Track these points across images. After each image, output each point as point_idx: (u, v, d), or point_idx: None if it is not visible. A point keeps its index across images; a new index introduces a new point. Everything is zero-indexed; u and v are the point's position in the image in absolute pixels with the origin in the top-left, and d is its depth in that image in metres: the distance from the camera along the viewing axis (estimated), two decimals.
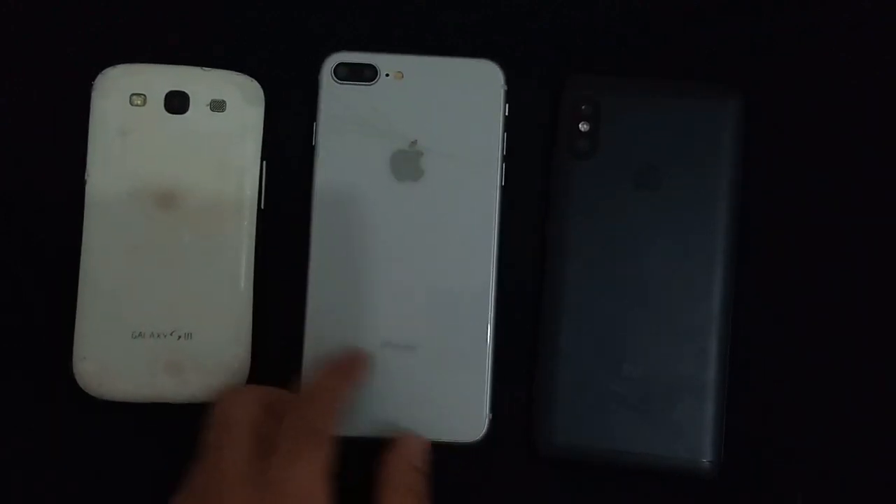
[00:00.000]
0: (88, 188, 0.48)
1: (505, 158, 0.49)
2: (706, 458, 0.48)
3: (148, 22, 0.51)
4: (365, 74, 0.49)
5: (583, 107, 0.49)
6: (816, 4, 0.51)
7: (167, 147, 0.48)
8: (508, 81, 0.49)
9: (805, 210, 0.50)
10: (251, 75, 0.50)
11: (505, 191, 0.49)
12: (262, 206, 0.49)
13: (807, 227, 0.50)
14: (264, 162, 0.49)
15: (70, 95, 0.49)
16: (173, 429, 0.50)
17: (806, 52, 0.51)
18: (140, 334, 0.48)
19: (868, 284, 0.50)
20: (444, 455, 0.48)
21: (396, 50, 0.50)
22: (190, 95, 0.49)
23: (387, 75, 0.49)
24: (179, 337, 0.48)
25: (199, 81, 0.49)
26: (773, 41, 0.51)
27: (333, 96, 0.49)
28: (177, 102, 0.48)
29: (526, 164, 0.50)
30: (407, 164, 0.49)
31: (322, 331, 0.48)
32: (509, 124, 0.49)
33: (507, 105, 0.49)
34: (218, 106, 0.49)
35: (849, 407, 0.49)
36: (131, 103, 0.48)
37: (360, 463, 0.48)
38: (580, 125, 0.49)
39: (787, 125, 0.50)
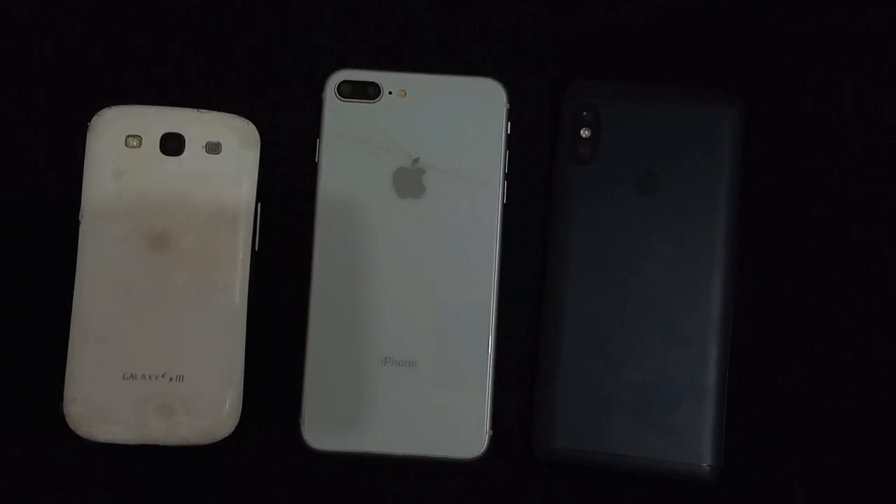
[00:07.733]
0: (82, 229, 0.48)
1: (507, 177, 0.49)
2: (706, 463, 0.48)
3: (144, 63, 0.51)
4: (368, 92, 0.50)
5: (584, 113, 0.49)
6: (817, 12, 0.51)
7: (162, 189, 0.48)
8: (510, 93, 0.50)
9: (804, 215, 0.50)
10: (247, 115, 0.50)
11: (506, 208, 0.49)
12: (257, 249, 0.49)
13: (806, 232, 0.50)
14: (259, 204, 0.49)
15: (65, 136, 0.49)
16: (164, 471, 0.49)
17: (806, 59, 0.51)
18: (131, 376, 0.47)
19: (867, 289, 0.50)
20: (444, 468, 0.48)
21: (399, 67, 0.50)
22: (185, 137, 0.49)
23: (390, 93, 0.50)
24: (171, 379, 0.48)
25: (195, 123, 0.49)
26: (774, 48, 0.51)
27: (336, 114, 0.50)
28: (172, 144, 0.48)
29: (527, 176, 0.50)
30: (409, 181, 0.49)
31: (324, 347, 0.49)
32: (511, 142, 0.50)
33: (509, 123, 0.50)
34: (213, 148, 0.49)
35: (848, 412, 0.49)
36: (127, 145, 0.48)
37: (361, 480, 0.48)
38: (581, 131, 0.49)
39: (786, 131, 0.51)
